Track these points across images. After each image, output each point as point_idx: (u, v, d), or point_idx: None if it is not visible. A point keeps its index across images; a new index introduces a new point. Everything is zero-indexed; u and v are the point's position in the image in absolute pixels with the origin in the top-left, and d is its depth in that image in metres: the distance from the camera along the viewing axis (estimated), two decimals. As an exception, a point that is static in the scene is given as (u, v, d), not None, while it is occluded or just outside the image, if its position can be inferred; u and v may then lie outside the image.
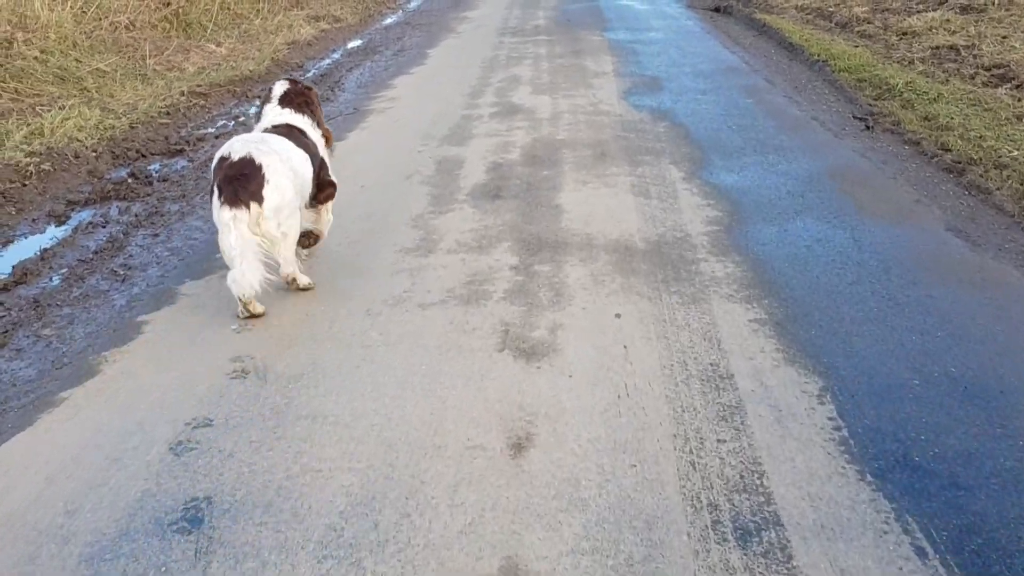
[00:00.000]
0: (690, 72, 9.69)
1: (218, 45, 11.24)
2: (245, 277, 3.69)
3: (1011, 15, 9.84)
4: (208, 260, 4.74)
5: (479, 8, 17.21)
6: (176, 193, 5.95)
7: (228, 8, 13.15)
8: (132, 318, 4.08)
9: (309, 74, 10.53)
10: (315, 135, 4.50)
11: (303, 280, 4.26)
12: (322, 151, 4.52)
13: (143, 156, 6.84)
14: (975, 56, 8.55)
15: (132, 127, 7.34)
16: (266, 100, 4.53)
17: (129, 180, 6.25)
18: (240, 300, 3.88)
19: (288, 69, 10.56)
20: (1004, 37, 9.05)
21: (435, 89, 9.23)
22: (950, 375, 3.43)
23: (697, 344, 3.68)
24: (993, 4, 10.25)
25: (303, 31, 13.15)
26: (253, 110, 8.53)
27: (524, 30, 13.51)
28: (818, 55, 9.80)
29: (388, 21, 15.75)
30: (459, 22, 14.99)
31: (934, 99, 7.52)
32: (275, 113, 4.41)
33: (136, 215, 5.53)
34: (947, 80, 8.07)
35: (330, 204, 4.62)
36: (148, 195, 5.92)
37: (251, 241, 3.75)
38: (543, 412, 3.19)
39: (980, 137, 6.43)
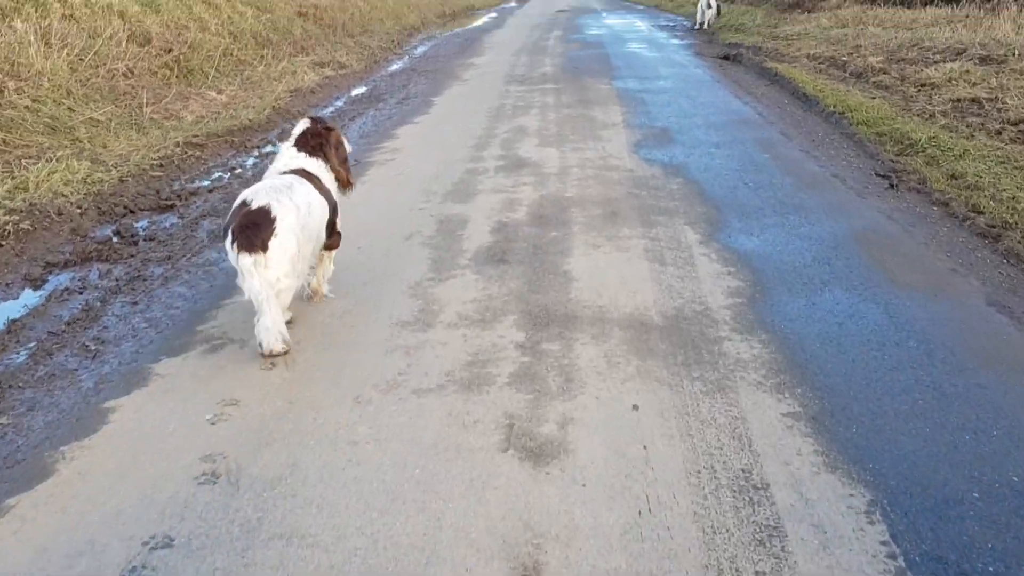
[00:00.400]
0: (702, 124, 9.37)
1: (219, 92, 10.99)
2: (277, 326, 3.86)
3: (1032, 67, 9.54)
4: (188, 333, 4.36)
5: (486, 54, 17.05)
6: (161, 254, 5.58)
7: (231, 54, 12.96)
8: (99, 404, 3.68)
9: (311, 122, 10.25)
10: (328, 179, 4.47)
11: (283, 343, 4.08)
12: (335, 195, 4.52)
13: (131, 212, 6.50)
14: (999, 110, 8.22)
15: (122, 180, 7.01)
16: (287, 138, 4.56)
17: (113, 239, 5.90)
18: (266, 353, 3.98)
19: (289, 118, 10.28)
20: (1027, 90, 8.73)
21: (439, 140, 8.92)
22: (1012, 486, 3.01)
23: (725, 444, 3.26)
24: (1014, 55, 9.96)
25: (307, 78, 12.93)
26: (251, 161, 8.24)
27: (531, 78, 13.27)
28: (834, 107, 9.49)
29: (394, 67, 15.56)
30: (465, 69, 14.78)
31: (960, 156, 7.17)
32: (290, 155, 4.43)
33: (117, 279, 5.16)
34: (972, 135, 7.73)
35: (333, 253, 4.67)
36: (132, 256, 5.56)
37: (266, 286, 3.81)
38: (553, 533, 2.77)
39: (1013, 199, 6.06)
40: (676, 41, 18.58)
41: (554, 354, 4.03)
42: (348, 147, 4.81)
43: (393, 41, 19.38)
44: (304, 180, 4.22)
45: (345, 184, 4.64)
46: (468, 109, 10.71)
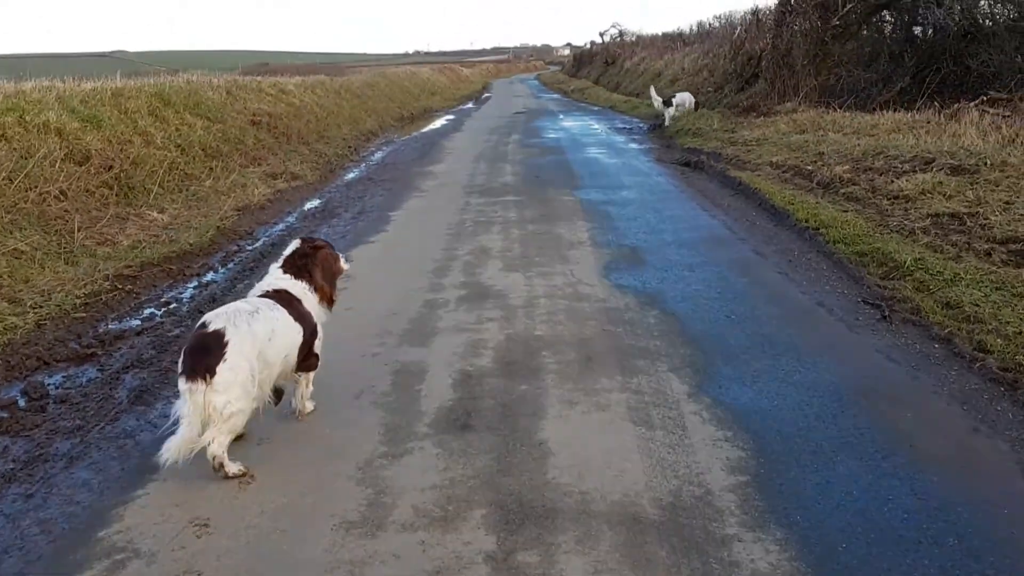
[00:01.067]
0: (672, 241, 8.90)
1: (161, 212, 10.33)
2: (176, 447, 3.77)
3: (1007, 177, 9.29)
4: (86, 543, 3.56)
5: (444, 161, 16.69)
6: (71, 423, 4.79)
7: (178, 168, 12.36)
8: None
9: (259, 243, 9.61)
10: (312, 301, 4.55)
11: (231, 468, 4.03)
12: (316, 317, 4.57)
13: (45, 364, 5.71)
14: (983, 227, 7.85)
15: (39, 325, 6.25)
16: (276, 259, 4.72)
17: (19, 402, 5.10)
18: (214, 469, 3.96)
19: (235, 239, 9.63)
20: (1008, 204, 8.41)
21: (396, 264, 8.30)
22: None
23: None
24: (986, 165, 9.73)
25: (257, 191, 12.35)
26: (188, 293, 7.54)
27: (492, 188, 12.83)
28: (807, 221, 9.10)
29: (350, 176, 15.09)
30: (423, 178, 14.34)
31: (951, 280, 6.71)
32: (275, 276, 4.54)
33: (14, 461, 4.36)
34: (959, 256, 7.31)
35: (311, 375, 4.72)
36: (36, 427, 4.76)
37: (200, 412, 3.79)
38: None
39: (1020, 334, 5.56)
40: (635, 145, 18.46)
41: (532, 568, 3.30)
42: (345, 265, 4.99)
43: (350, 148, 19.00)
44: (276, 304, 4.26)
45: (327, 301, 4.71)
46: (427, 226, 10.16)
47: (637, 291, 7.12)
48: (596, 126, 24.13)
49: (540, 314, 6.53)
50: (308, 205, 12.13)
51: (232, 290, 7.64)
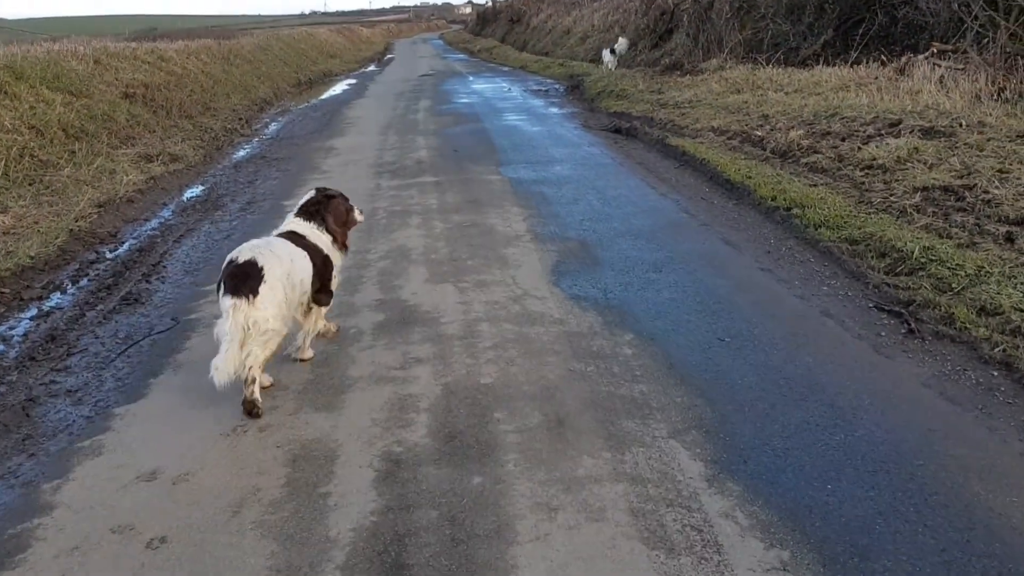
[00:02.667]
0: (624, 231, 7.45)
1: (3, 212, 8.30)
2: (226, 364, 3.99)
3: (989, 140, 8.15)
4: None
5: (348, 133, 14.82)
6: None
7: (31, 155, 10.25)
8: None
9: (123, 248, 7.71)
10: (319, 237, 4.74)
11: (265, 379, 4.43)
12: (326, 249, 4.76)
13: None
14: (987, 203, 6.65)
15: None
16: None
17: None
18: (244, 383, 4.18)
19: (93, 244, 7.72)
20: (1003, 173, 7.24)
21: (293, 275, 6.60)
22: None
23: None
24: (961, 127, 8.57)
25: (128, 179, 10.30)
26: (23, 326, 5.76)
27: (405, 167, 11.10)
28: (774, 200, 7.78)
29: (240, 155, 13.09)
30: (324, 154, 12.48)
31: (976, 276, 5.46)
32: (288, 221, 4.82)
33: None
34: (973, 242, 6.08)
35: (323, 310, 4.90)
36: None
37: (241, 330, 4.04)
38: None
39: (1099, 355, 4.32)
40: (555, 110, 16.91)
41: None
42: (359, 216, 5.17)
43: (241, 120, 16.85)
44: (284, 239, 4.55)
45: (341, 246, 4.93)
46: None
47: (599, 305, 5.64)
48: (510, 88, 22.45)
49: (484, 348, 4.98)
50: (188, 194, 10.18)
51: (81, 319, 5.85)
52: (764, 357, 4.71)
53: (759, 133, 10.38)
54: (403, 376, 4.64)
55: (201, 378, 4.23)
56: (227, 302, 4.06)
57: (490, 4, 74.39)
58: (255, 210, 9.04)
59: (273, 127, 16.56)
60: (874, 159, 8.29)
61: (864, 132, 9.25)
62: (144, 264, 7.18)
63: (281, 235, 4.63)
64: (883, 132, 9.03)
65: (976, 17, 12.55)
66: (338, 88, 26.02)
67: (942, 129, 8.62)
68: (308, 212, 4.81)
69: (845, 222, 6.86)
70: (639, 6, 30.35)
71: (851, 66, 13.96)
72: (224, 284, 4.13)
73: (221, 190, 10.27)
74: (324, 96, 23.45)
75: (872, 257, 6.14)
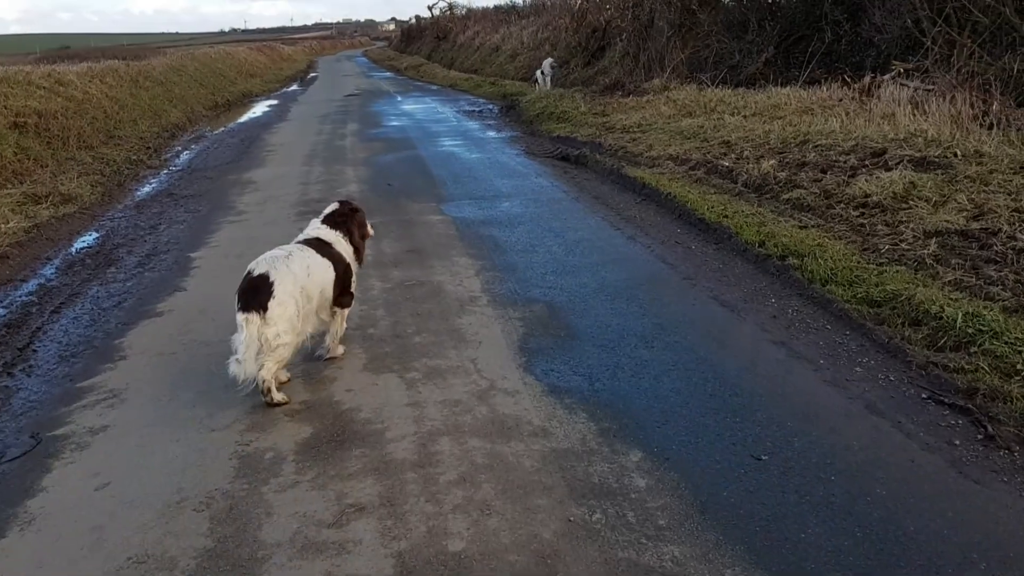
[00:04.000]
0: (597, 287, 6.24)
1: None
2: (243, 365, 4.22)
3: (991, 172, 7.24)
4: None
5: (268, 164, 13.31)
6: None
7: None
8: None
9: (-16, 324, 6.14)
10: (344, 247, 4.97)
11: (276, 396, 4.44)
12: (349, 259, 4.99)
13: None
14: (1018, 251, 5.65)
15: None
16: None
17: None
18: (261, 393, 4.40)
19: (-58, 322, 6.13)
20: (1021, 213, 6.28)
21: (191, 366, 5.16)
22: None
23: None
24: (956, 157, 7.64)
25: (7, 227, 8.66)
26: None
27: (332, 206, 9.70)
28: (763, 246, 6.69)
29: (144, 191, 11.47)
30: (241, 190, 10.98)
31: (1043, 356, 4.40)
32: (313, 227, 5.00)
33: None
34: (1022, 305, 5.03)
35: (345, 312, 5.07)
36: None
37: (255, 342, 4.24)
38: None
39: None
40: (494, 134, 15.70)
41: None
42: (371, 231, 5.36)
43: (148, 149, 15.14)
44: (307, 248, 4.73)
45: (359, 259, 5.15)
46: (245, 253, 6.98)
47: (588, 401, 4.39)
48: (442, 109, 21.17)
49: (448, 483, 3.67)
50: (78, 244, 8.57)
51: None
52: (823, 489, 3.52)
53: (725, 163, 9.32)
54: (338, 540, 3.29)
55: (66, 542, 2.81)
56: (240, 317, 4.26)
57: (414, 21, 73.08)
58: (156, 265, 7.53)
59: (185, 156, 14.92)
60: (867, 195, 7.28)
61: (846, 163, 8.26)
62: (9, 348, 5.65)
63: (307, 241, 4.81)
64: (868, 163, 8.06)
65: (928, 34, 11.83)
66: (258, 110, 24.34)
67: (936, 160, 7.68)
68: (335, 222, 5.02)
69: (856, 276, 5.79)
70: (569, 24, 29.49)
71: (802, 86, 13.13)
72: (238, 298, 4.33)
73: (118, 238, 8.69)
74: (243, 119, 21.78)
75: (903, 325, 5.05)
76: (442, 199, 9.69)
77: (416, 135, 15.96)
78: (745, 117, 11.30)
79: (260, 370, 4.29)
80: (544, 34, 32.15)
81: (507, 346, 5.20)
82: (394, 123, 18.54)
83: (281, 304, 4.29)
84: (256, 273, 4.36)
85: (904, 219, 6.66)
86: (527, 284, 6.40)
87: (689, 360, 4.89)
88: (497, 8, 46.27)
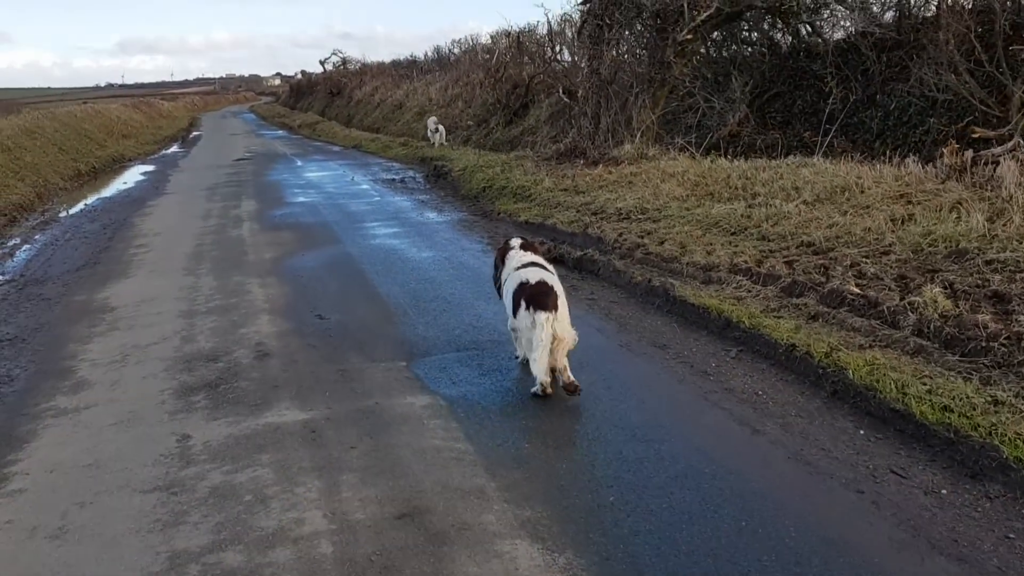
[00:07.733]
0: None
1: None
2: (543, 361, 4.75)
3: None
4: None
5: (135, 273, 9.23)
6: None
7: None
8: None
9: None
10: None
11: (574, 379, 4.87)
12: None
13: None
14: None
15: None
16: (507, 249, 5.61)
17: None
18: (540, 384, 4.81)
19: None
20: None
21: None
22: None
23: None
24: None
25: None
26: None
27: (235, 376, 5.76)
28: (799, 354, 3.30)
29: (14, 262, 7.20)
30: (88, 329, 6.95)
31: None
32: (520, 255, 5.42)
33: None
34: None
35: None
36: None
37: (550, 338, 4.72)
38: None
39: None
40: (434, 215, 12.09)
41: None
42: None
43: (-34, 247, 10.78)
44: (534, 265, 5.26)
45: None
46: (88, 522, 3.13)
47: None
48: (355, 178, 17.40)
49: None
50: None
51: None
52: None
53: (853, 288, 5.99)
54: None
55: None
56: (542, 317, 4.71)
57: (301, 76, 68.61)
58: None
59: (19, 258, 10.62)
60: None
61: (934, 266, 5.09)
62: None
63: (529, 264, 5.23)
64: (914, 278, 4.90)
65: (1014, 91, 9.10)
66: (131, 179, 19.95)
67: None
68: (531, 248, 5.58)
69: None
70: (484, 79, 26.33)
71: (824, 155, 10.23)
72: (533, 302, 4.79)
73: None
74: (110, 192, 17.46)
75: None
76: (412, 352, 5.97)
77: (334, 218, 12.14)
78: (807, 204, 8.11)
79: (560, 359, 4.84)
80: (455, 90, 28.92)
81: None
82: (301, 199, 14.64)
83: (564, 304, 4.92)
84: (534, 280, 4.93)
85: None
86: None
87: None
88: (395, 63, 42.96)
